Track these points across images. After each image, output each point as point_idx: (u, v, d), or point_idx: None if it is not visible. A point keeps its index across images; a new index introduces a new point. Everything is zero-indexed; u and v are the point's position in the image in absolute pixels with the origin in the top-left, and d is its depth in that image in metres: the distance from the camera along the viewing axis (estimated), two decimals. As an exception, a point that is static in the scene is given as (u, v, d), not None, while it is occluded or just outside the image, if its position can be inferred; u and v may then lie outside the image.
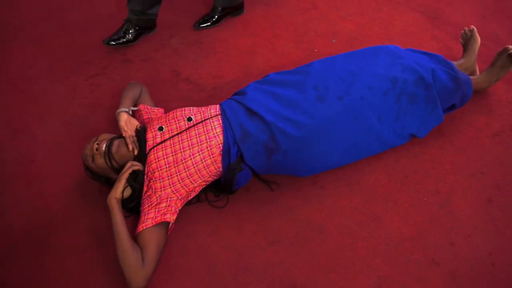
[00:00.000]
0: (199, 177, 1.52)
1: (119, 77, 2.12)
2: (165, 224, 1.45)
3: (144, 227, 1.41)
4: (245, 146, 1.52)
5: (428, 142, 1.76)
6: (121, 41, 2.22)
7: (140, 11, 2.15)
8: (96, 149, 1.50)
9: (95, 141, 1.53)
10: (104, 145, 1.51)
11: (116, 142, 1.54)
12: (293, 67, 2.08)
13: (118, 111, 1.64)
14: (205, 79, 2.09)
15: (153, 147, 1.52)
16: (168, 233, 1.49)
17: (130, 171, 1.47)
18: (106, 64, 2.19)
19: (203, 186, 1.60)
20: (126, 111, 1.64)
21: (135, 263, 1.34)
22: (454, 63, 1.88)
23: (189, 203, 1.60)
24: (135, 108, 1.74)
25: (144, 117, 1.74)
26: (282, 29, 2.30)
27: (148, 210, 1.45)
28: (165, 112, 1.82)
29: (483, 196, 1.61)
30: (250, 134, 1.52)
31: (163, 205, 1.46)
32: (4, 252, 1.54)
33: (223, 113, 1.58)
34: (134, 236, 1.43)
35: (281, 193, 1.65)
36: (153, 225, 1.42)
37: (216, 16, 2.31)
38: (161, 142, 1.52)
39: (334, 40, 2.22)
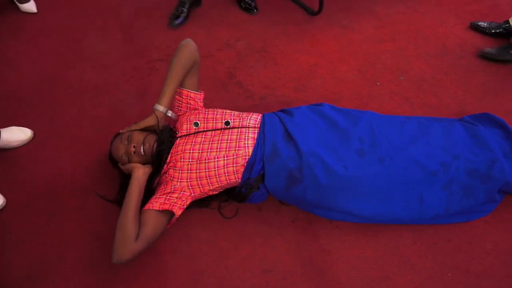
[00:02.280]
0: (217, 182, 1.47)
1: (177, 67, 2.16)
2: (170, 214, 1.43)
3: (150, 208, 1.40)
4: (270, 167, 1.46)
5: (472, 212, 1.54)
6: (181, 18, 2.37)
7: None
8: (134, 152, 1.50)
9: (130, 143, 1.50)
10: (142, 148, 1.49)
11: (151, 143, 1.52)
12: (349, 96, 1.98)
13: (159, 108, 1.56)
14: (256, 87, 2.05)
15: (185, 135, 1.51)
16: (168, 226, 1.46)
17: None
18: (169, 51, 2.25)
19: (218, 192, 1.55)
20: (163, 113, 1.56)
21: (129, 235, 1.31)
22: None
23: (200, 204, 1.56)
24: (170, 115, 1.60)
25: (183, 107, 1.69)
26: (350, 55, 2.18)
27: (159, 195, 1.44)
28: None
29: (521, 291, 1.36)
30: (280, 156, 1.45)
31: (174, 196, 1.44)
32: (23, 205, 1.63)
33: (262, 126, 1.54)
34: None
35: (291, 221, 1.55)
36: (159, 210, 1.40)
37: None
38: (194, 133, 1.51)
39: (402, 78, 2.06)
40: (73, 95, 2.04)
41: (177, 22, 2.35)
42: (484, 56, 2.12)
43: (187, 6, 2.39)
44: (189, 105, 1.68)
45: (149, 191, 1.51)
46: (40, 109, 1.97)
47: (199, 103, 1.70)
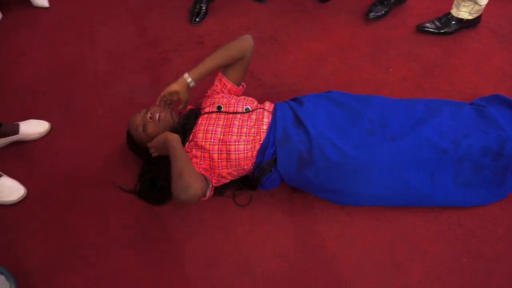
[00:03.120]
0: (236, 165, 1.50)
1: (189, 57, 2.18)
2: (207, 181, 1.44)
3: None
4: (281, 150, 1.48)
5: (485, 197, 1.53)
6: (201, 15, 2.37)
7: None
8: (150, 118, 1.54)
9: (147, 112, 1.57)
10: (158, 115, 1.54)
11: (166, 113, 1.58)
12: (361, 83, 1.97)
13: (185, 75, 1.60)
14: (267, 75, 2.05)
15: (208, 113, 1.54)
16: (205, 199, 1.42)
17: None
18: (182, 42, 2.27)
19: (232, 178, 1.57)
20: (187, 81, 1.60)
21: (196, 171, 1.34)
22: None
23: (214, 193, 1.59)
24: (193, 84, 1.63)
25: (217, 91, 1.72)
26: (361, 41, 2.17)
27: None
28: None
29: (534, 276, 1.36)
30: (290, 139, 1.47)
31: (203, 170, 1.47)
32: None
33: (274, 113, 1.57)
34: None
35: (304, 208, 1.57)
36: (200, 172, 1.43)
37: None
38: (217, 112, 1.54)
39: (414, 63, 2.04)
40: (87, 87, 2.08)
41: (198, 19, 2.37)
42: (424, 30, 2.17)
43: (204, 2, 2.39)
44: (221, 89, 1.73)
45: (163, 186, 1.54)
46: (56, 101, 2.01)
47: (234, 90, 1.74)
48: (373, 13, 2.25)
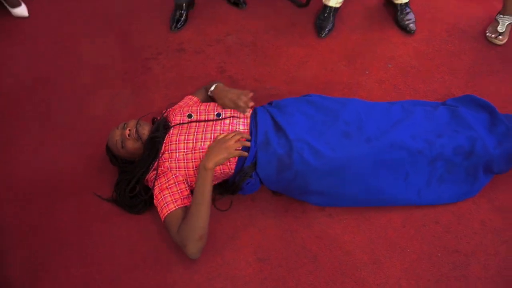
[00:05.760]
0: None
1: (169, 65, 2.19)
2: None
3: (177, 207, 1.45)
4: (262, 154, 1.50)
5: (459, 194, 1.59)
6: (181, 22, 2.39)
7: None
8: (128, 135, 1.54)
9: (126, 127, 1.57)
10: (135, 130, 1.55)
11: (146, 127, 1.58)
12: (338, 86, 2.01)
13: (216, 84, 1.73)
14: (247, 80, 2.08)
15: (179, 124, 1.56)
16: None
17: (239, 144, 1.48)
18: (162, 50, 2.28)
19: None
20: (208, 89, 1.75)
21: (203, 234, 1.39)
22: None
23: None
24: (212, 88, 1.74)
25: (181, 102, 1.79)
26: (339, 45, 2.21)
27: (171, 192, 1.47)
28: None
29: (508, 267, 1.41)
30: (270, 143, 1.50)
31: (183, 187, 1.49)
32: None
33: (254, 116, 1.60)
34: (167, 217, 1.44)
35: (285, 210, 1.60)
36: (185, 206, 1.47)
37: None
38: (187, 123, 1.56)
39: (390, 65, 2.09)
40: (67, 96, 2.08)
41: (178, 26, 2.39)
42: None
43: (184, 8, 2.41)
44: (188, 102, 1.78)
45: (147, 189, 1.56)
46: (35, 111, 2.01)
47: (195, 99, 1.80)
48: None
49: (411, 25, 2.22)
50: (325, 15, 2.25)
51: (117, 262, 1.51)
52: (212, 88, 1.72)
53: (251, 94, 1.63)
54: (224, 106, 1.62)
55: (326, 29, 2.23)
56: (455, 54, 2.11)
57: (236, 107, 1.60)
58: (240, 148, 1.48)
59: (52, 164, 1.80)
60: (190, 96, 1.83)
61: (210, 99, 1.80)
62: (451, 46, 2.15)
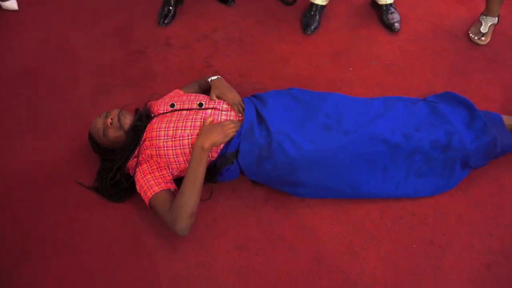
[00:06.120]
0: None
1: (156, 59, 2.21)
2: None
3: (161, 189, 1.46)
4: (244, 143, 1.52)
5: (436, 187, 1.61)
6: (169, 17, 2.40)
7: None
8: (110, 123, 1.55)
9: (108, 116, 1.57)
10: (117, 119, 1.56)
11: (128, 117, 1.59)
12: (322, 82, 2.04)
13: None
14: (233, 75, 2.10)
15: (162, 113, 1.57)
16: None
17: (234, 130, 1.52)
18: (149, 44, 2.30)
19: None
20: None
21: (193, 212, 1.40)
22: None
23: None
24: (214, 78, 1.75)
25: (166, 96, 1.81)
26: (324, 42, 2.24)
27: (153, 176, 1.48)
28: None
29: (482, 259, 1.44)
30: (253, 133, 1.52)
31: (165, 172, 1.51)
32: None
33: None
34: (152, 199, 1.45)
35: (265, 200, 1.61)
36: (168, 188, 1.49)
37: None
38: (170, 111, 1.57)
39: (374, 62, 2.12)
40: (54, 88, 2.08)
41: (166, 21, 2.40)
42: None
43: (172, 4, 2.43)
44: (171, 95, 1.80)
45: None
46: (21, 101, 2.02)
47: (181, 93, 1.82)
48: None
49: (396, 24, 2.25)
50: (312, 12, 2.28)
51: (97, 249, 1.51)
52: (215, 78, 1.73)
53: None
54: (219, 97, 1.65)
55: (312, 27, 2.26)
56: (439, 53, 2.15)
57: (232, 103, 1.62)
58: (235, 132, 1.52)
59: (35, 155, 1.81)
60: (177, 90, 1.85)
61: (201, 91, 1.83)
62: (436, 45, 2.18)
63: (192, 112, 1.57)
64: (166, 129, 1.52)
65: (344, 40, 2.25)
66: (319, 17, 2.29)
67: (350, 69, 2.09)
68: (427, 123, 1.59)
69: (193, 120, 1.53)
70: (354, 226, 1.53)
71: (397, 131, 1.54)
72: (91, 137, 1.66)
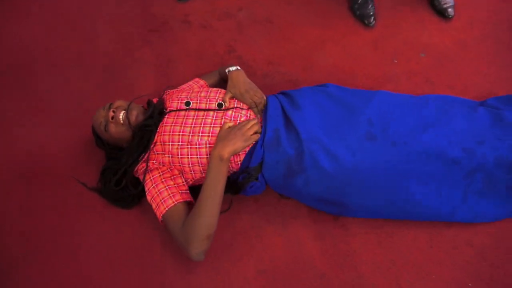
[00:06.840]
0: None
1: (172, 39, 1.95)
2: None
3: (177, 202, 1.24)
4: (269, 154, 1.28)
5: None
6: None
7: None
8: (112, 118, 1.33)
9: (111, 108, 1.35)
10: (122, 114, 1.33)
11: (134, 112, 1.35)
12: (362, 76, 1.76)
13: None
14: (259, 63, 1.84)
15: (175, 110, 1.33)
16: None
17: (256, 138, 1.28)
18: (166, 20, 2.03)
19: None
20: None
21: (210, 233, 1.18)
22: None
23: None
24: (232, 68, 1.46)
25: (184, 85, 1.60)
26: (365, 28, 1.94)
27: (166, 186, 1.26)
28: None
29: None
30: (280, 142, 1.28)
31: (180, 181, 1.29)
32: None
33: (264, 110, 1.37)
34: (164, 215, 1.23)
35: (292, 217, 1.38)
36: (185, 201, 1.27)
37: None
38: (185, 110, 1.33)
39: (423, 54, 1.82)
40: (57, 67, 1.85)
41: None
42: None
43: None
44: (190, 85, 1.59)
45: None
46: (22, 88, 1.80)
47: (201, 82, 1.60)
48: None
49: (449, 9, 1.94)
50: None
51: (102, 258, 1.32)
52: (233, 68, 1.44)
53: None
54: (232, 93, 1.38)
55: (371, 16, 1.93)
56: (500, 45, 1.84)
57: (250, 103, 1.36)
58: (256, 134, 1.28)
59: (36, 146, 1.60)
60: (197, 79, 1.61)
61: (223, 82, 1.58)
62: (496, 36, 1.87)
63: (210, 113, 1.32)
64: (181, 134, 1.28)
65: (387, 26, 1.95)
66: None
67: (395, 61, 1.81)
68: (491, 135, 1.32)
69: (212, 126, 1.29)
70: (399, 255, 1.29)
71: (456, 144, 1.27)
72: (94, 131, 1.43)
